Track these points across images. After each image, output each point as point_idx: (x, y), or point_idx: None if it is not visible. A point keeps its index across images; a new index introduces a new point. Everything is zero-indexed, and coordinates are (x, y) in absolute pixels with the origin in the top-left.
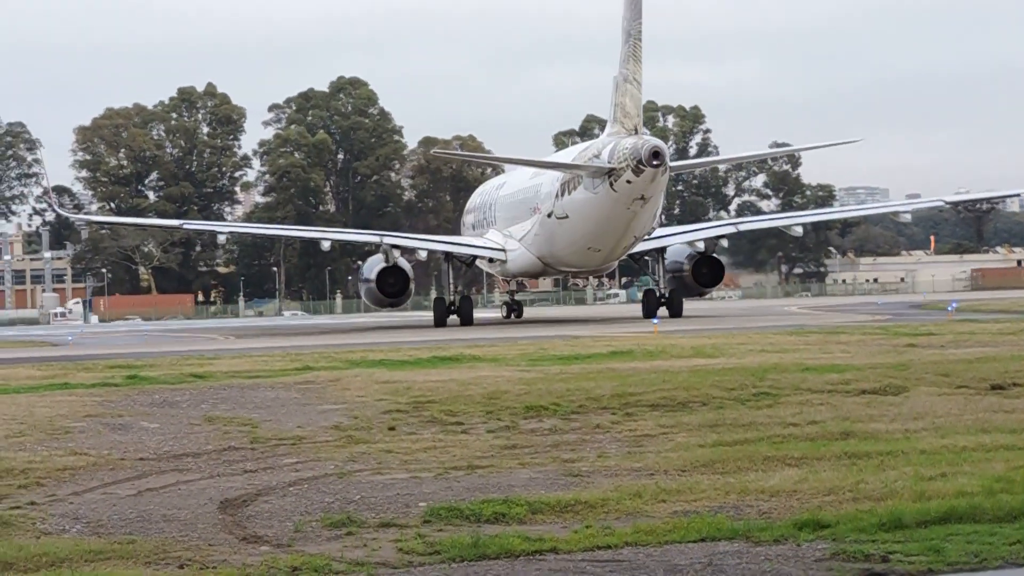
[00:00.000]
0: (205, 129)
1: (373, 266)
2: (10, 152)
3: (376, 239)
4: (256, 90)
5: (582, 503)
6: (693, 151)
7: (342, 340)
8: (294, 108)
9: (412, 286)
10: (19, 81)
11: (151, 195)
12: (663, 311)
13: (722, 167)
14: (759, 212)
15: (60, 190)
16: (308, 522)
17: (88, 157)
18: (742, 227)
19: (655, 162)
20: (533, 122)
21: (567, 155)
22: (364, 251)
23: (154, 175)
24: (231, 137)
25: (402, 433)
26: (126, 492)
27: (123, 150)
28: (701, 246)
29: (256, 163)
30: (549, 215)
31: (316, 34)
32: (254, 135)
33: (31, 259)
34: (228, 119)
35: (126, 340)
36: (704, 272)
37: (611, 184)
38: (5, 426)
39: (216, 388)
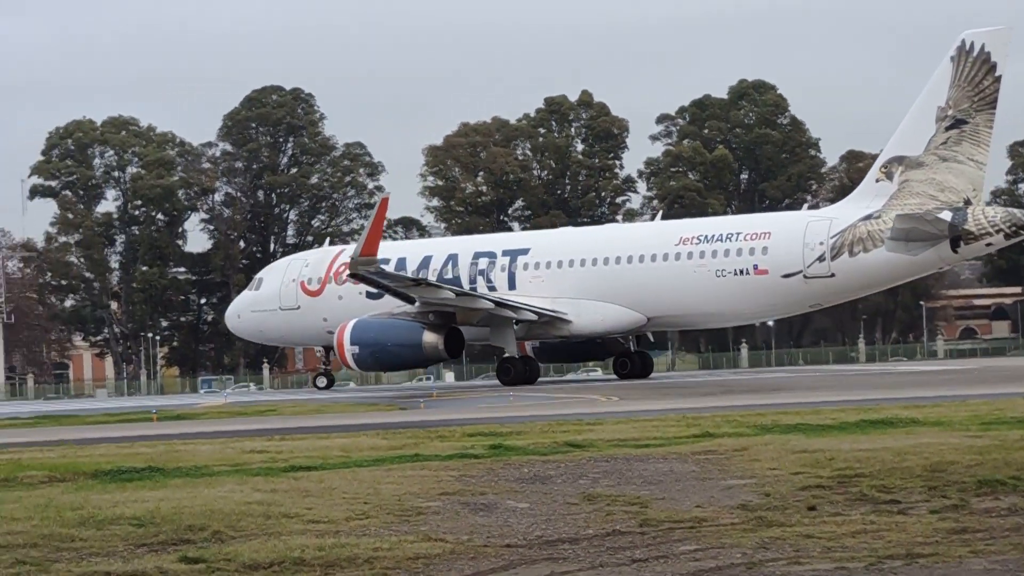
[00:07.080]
0: (580, 146)
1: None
2: (348, 179)
3: None
4: (640, 99)
5: None
6: None
7: (748, 400)
8: (687, 119)
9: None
10: (357, 96)
11: (516, 226)
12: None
13: None
14: None
15: (407, 223)
16: None
17: (440, 183)
18: None
19: None
20: None
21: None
22: None
23: (519, 203)
24: (611, 156)
25: (824, 514)
26: None
27: (481, 173)
28: None
29: (642, 186)
30: (788, 275)
31: (710, 31)
32: (639, 152)
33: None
34: (608, 134)
35: (488, 401)
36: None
37: (953, 247)
38: (346, 506)
39: (597, 460)
